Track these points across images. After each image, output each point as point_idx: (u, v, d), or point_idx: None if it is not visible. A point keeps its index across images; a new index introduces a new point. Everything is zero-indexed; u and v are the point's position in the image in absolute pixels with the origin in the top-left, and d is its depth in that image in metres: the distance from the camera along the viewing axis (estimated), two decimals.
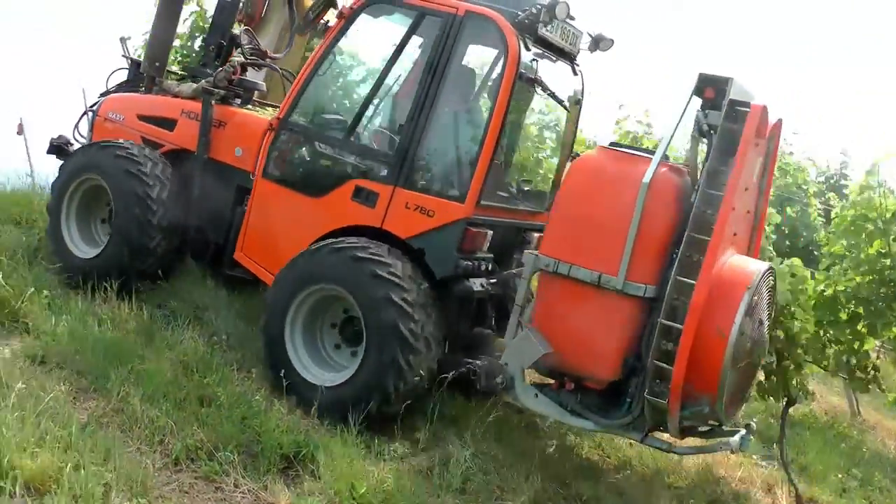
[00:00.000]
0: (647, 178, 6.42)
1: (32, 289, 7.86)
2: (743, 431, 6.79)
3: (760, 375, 8.49)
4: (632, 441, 7.60)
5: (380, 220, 7.49)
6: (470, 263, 7.49)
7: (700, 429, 7.02)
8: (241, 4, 9.34)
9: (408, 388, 6.99)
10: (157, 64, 9.46)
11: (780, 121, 7.15)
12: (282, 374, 7.26)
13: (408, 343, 6.90)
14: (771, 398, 9.34)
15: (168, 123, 8.91)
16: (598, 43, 8.20)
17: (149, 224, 8.26)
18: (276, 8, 9.62)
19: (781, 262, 8.82)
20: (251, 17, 9.52)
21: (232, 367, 7.64)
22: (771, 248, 9.39)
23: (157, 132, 8.92)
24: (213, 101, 8.58)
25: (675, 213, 6.58)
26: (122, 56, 9.63)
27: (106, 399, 6.63)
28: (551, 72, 8.15)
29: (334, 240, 7.43)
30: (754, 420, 8.22)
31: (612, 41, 8.22)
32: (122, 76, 9.86)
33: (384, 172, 7.58)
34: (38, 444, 5.39)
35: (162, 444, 6.24)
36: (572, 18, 7.80)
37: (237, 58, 9.01)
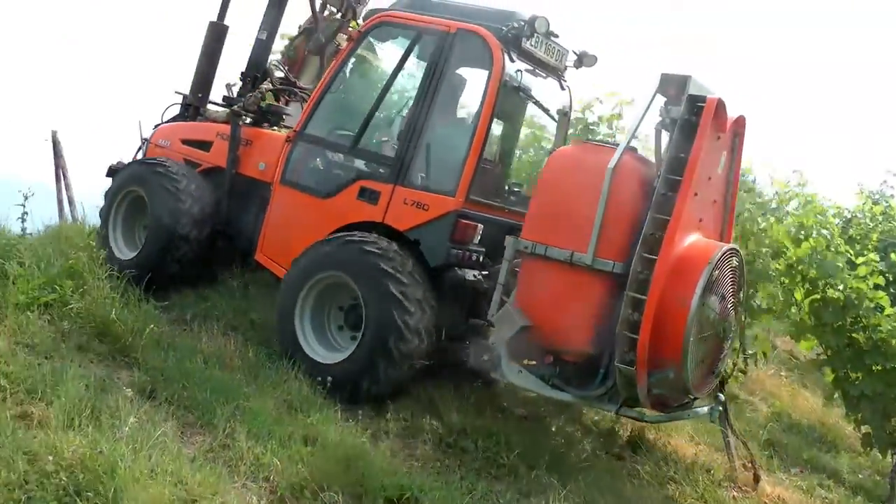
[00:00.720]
0: (611, 165, 7.16)
1: (142, 325, 8.04)
2: (713, 404, 7.73)
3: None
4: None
5: (381, 215, 8.26)
6: (461, 253, 8.10)
7: (674, 405, 7.59)
8: (283, 49, 10.37)
9: (396, 374, 7.75)
10: (199, 95, 10.44)
11: (742, 117, 7.72)
12: (289, 351, 8.15)
13: (401, 334, 7.59)
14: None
15: (205, 145, 9.81)
16: (582, 59, 9.02)
17: (177, 232, 9.04)
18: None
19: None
20: (293, 62, 10.46)
21: (335, 408, 7.60)
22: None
23: (196, 153, 9.82)
24: (240, 123, 9.49)
25: (639, 196, 7.24)
26: (176, 92, 10.56)
27: (212, 435, 6.70)
28: (541, 86, 9.11)
29: (346, 233, 8.17)
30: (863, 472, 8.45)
31: (596, 58, 8.98)
32: (175, 110, 10.77)
33: (385, 173, 8.40)
34: (150, 477, 5.48)
35: (267, 481, 6.26)
36: (556, 35, 8.71)
37: (266, 86, 9.93)
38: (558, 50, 8.88)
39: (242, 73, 10.30)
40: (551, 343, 7.49)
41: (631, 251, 7.11)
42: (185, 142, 10.03)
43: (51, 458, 5.41)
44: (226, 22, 10.42)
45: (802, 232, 9.69)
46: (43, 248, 8.95)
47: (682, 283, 6.95)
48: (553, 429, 8.60)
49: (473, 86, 8.79)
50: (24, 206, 9.09)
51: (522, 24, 8.21)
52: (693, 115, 7.14)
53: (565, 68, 9.16)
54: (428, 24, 8.47)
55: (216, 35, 10.40)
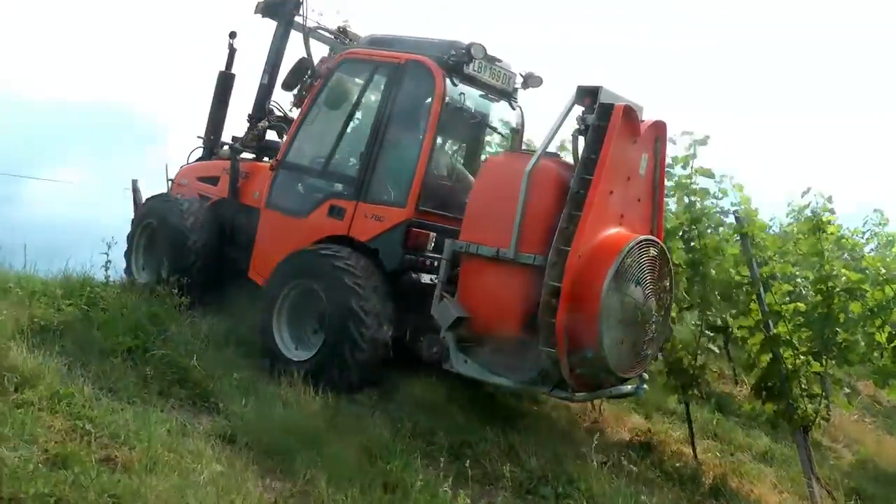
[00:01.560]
0: (527, 168, 7.88)
1: (222, 370, 8.15)
2: (639, 383, 8.38)
3: None
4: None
5: (346, 229, 9.13)
6: (415, 259, 8.91)
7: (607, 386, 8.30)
8: (295, 91, 10.95)
9: (362, 356, 8.41)
10: (212, 137, 11.72)
11: (661, 122, 8.46)
12: (268, 349, 8.90)
13: (359, 318, 8.34)
14: None
15: (214, 180, 10.98)
16: (527, 80, 9.93)
17: (185, 252, 10.15)
18: None
19: None
20: (301, 100, 10.84)
21: (416, 455, 7.51)
22: None
23: (207, 188, 10.99)
24: (239, 158, 10.65)
25: (555, 195, 7.90)
26: (197, 136, 11.86)
27: (292, 481, 6.65)
28: (492, 107, 10.23)
29: (311, 245, 9.13)
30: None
31: (541, 79, 9.85)
32: (199, 153, 11.98)
33: (349, 192, 9.28)
34: None
35: None
36: (499, 60, 9.59)
37: (263, 124, 11.11)
38: (504, 73, 9.74)
39: (249, 115, 11.35)
40: (487, 331, 8.12)
41: (550, 245, 7.73)
42: (199, 179, 11.26)
43: (135, 501, 5.43)
44: (233, 71, 11.64)
45: (883, 272, 9.39)
46: (126, 294, 9.07)
47: (595, 271, 7.59)
48: (633, 475, 8.39)
49: (423, 109, 9.40)
50: (107, 254, 9.26)
51: (462, 51, 9.00)
52: (603, 121, 7.83)
53: (514, 90, 10.05)
54: (383, 57, 9.48)
55: (224, 83, 11.63)
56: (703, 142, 9.62)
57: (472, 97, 9.66)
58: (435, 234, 8.88)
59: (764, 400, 9.35)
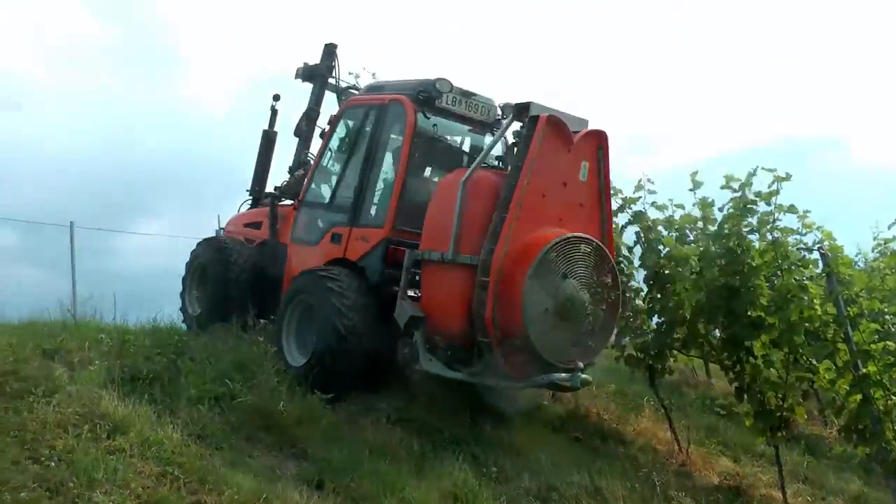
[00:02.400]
0: (462, 179, 8.74)
1: (308, 417, 8.25)
2: (576, 373, 8.39)
3: None
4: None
5: (343, 252, 10.04)
6: (395, 273, 9.41)
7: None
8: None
9: (342, 365, 9.04)
10: (257, 188, 12.81)
11: (601, 131, 9.14)
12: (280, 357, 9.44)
13: (341, 312, 9.10)
14: None
15: (258, 225, 12.07)
16: (505, 111, 10.23)
17: (228, 287, 11.25)
18: None
19: None
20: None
21: (502, 499, 7.48)
22: None
23: (252, 232, 12.13)
24: (277, 204, 11.71)
25: (488, 201, 8.70)
26: (246, 190, 12.99)
27: None
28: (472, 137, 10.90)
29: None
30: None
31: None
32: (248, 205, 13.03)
33: (346, 219, 10.20)
34: None
35: None
36: (474, 94, 10.33)
37: (300, 172, 12.06)
38: (483, 106, 10.45)
39: (289, 167, 12.52)
40: (440, 328, 8.87)
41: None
42: (245, 225, 12.50)
43: None
44: (275, 129, 12.73)
45: None
46: (213, 343, 9.21)
47: (519, 266, 8.27)
48: None
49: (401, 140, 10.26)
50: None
51: (430, 86, 9.84)
52: (531, 131, 8.66)
53: (497, 120, 10.58)
54: (373, 101, 10.53)
55: (267, 140, 12.71)
56: (787, 178, 9.45)
57: (452, 129, 10.59)
58: (410, 251, 9.46)
59: (855, 443, 9.13)
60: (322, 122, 12.24)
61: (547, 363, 8.38)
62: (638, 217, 10.90)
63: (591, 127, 9.13)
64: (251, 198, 12.83)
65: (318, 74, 12.33)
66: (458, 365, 8.85)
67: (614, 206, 10.49)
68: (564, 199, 8.88)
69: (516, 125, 9.12)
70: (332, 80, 12.38)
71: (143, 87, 57.53)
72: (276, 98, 12.48)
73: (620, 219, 11.10)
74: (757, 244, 9.94)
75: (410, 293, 9.29)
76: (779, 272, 9.64)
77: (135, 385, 8.14)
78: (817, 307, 9.28)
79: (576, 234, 8.63)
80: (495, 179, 8.97)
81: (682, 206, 10.87)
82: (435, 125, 10.15)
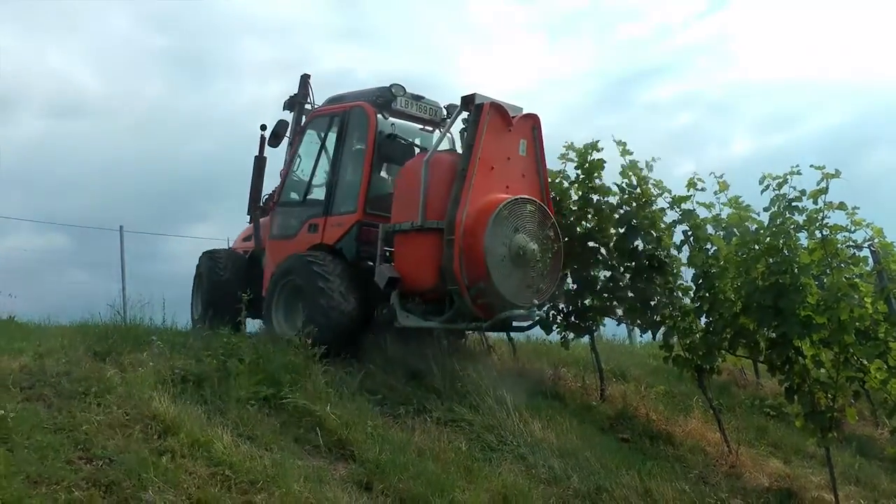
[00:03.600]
0: (425, 159, 10.41)
1: (356, 418, 8.26)
2: (532, 309, 10.31)
3: None
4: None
5: (320, 238, 11.45)
6: (368, 250, 10.87)
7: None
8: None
9: (330, 321, 10.25)
10: (252, 209, 13.56)
11: (535, 115, 10.88)
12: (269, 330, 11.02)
13: (324, 292, 10.40)
14: None
15: (249, 238, 13.57)
16: (450, 110, 11.95)
17: (217, 291, 12.40)
18: None
19: None
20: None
21: (551, 500, 7.47)
22: None
23: (248, 245, 13.55)
24: (258, 215, 13.14)
25: (448, 175, 10.28)
26: (247, 214, 13.84)
27: None
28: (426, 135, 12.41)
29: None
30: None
31: (458, 107, 11.25)
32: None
33: (321, 211, 11.63)
34: None
35: None
36: (422, 98, 11.94)
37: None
38: (430, 107, 12.06)
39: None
40: (414, 285, 10.30)
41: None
42: (243, 240, 14.07)
43: None
44: (265, 154, 13.53)
45: None
46: (262, 345, 9.26)
47: (479, 222, 9.87)
48: None
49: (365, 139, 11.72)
50: (243, 307, 9.49)
51: (386, 91, 11.59)
52: (476, 116, 10.32)
53: (443, 119, 12.18)
54: (335, 109, 12.11)
55: (258, 165, 13.53)
56: (836, 175, 9.32)
57: (407, 129, 12.03)
58: (383, 224, 10.91)
59: None
60: None
61: (507, 302, 10.04)
62: (687, 215, 10.83)
63: (525, 112, 10.84)
64: (250, 217, 13.81)
65: (297, 102, 13.55)
66: (432, 316, 10.38)
67: (663, 204, 11.31)
68: (509, 171, 10.57)
69: (465, 114, 10.65)
70: (308, 106, 13.53)
71: (194, 94, 58.25)
72: (263, 128, 13.34)
73: (668, 217, 11.09)
74: (805, 242, 9.83)
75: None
76: (828, 270, 9.52)
77: (185, 386, 8.20)
78: (868, 306, 9.16)
79: (522, 195, 10.31)
80: (452, 158, 10.67)
81: (735, 201, 10.82)
82: (392, 124, 11.77)
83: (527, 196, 10.36)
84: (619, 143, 11.31)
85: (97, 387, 7.67)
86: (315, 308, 10.40)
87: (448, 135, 11.99)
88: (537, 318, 10.52)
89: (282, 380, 8.49)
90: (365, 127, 11.50)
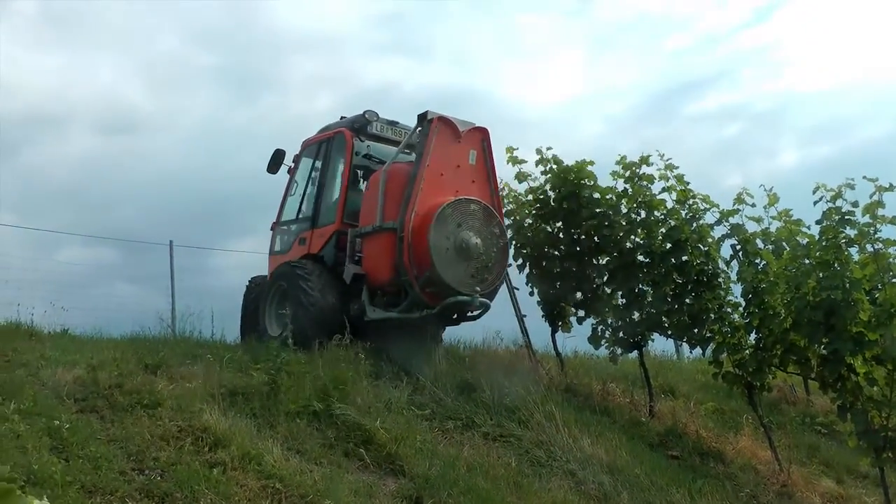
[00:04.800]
0: (384, 168, 11.66)
1: (405, 432, 8.24)
2: (475, 295, 10.95)
3: None
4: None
5: (308, 249, 12.52)
6: (343, 256, 12.00)
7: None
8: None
9: (310, 315, 11.24)
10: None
11: (484, 128, 11.92)
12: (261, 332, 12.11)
13: (305, 291, 11.46)
14: None
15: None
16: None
17: (249, 308, 13.25)
18: None
19: None
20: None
21: None
22: None
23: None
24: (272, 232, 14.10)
25: (402, 182, 11.38)
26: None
27: None
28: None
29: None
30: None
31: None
32: None
33: (308, 225, 12.83)
34: None
35: None
36: (397, 123, 13.00)
37: None
38: (404, 132, 12.77)
39: None
40: (376, 280, 11.48)
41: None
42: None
43: None
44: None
45: None
46: (311, 360, 9.31)
47: (425, 221, 10.92)
48: None
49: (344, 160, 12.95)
50: (287, 322, 9.56)
51: (361, 117, 12.77)
52: (426, 130, 11.50)
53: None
54: (322, 137, 13.35)
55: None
56: (890, 188, 9.19)
57: (382, 150, 12.83)
58: (352, 229, 12.13)
59: None
60: None
61: (452, 290, 10.96)
62: (736, 230, 10.73)
63: (475, 125, 11.87)
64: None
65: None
66: (391, 308, 11.41)
67: (711, 219, 11.25)
68: (459, 177, 11.60)
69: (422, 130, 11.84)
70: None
71: (241, 110, 58.85)
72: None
73: (716, 232, 10.99)
74: (856, 257, 9.69)
75: None
76: (880, 285, 9.38)
77: (234, 399, 8.29)
78: None
79: (466, 196, 11.31)
80: (407, 167, 11.70)
81: (785, 214, 10.70)
82: (368, 146, 12.89)
83: (471, 197, 11.39)
84: (666, 162, 11.31)
85: (149, 399, 7.77)
86: (298, 305, 11.44)
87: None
88: (479, 303, 11.14)
89: (330, 394, 8.51)
90: (344, 149, 12.81)
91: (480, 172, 11.81)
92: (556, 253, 12.68)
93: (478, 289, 11.03)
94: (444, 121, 11.55)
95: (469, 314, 11.68)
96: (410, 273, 11.00)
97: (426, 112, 11.63)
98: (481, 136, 11.89)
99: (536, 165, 12.90)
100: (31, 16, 54.90)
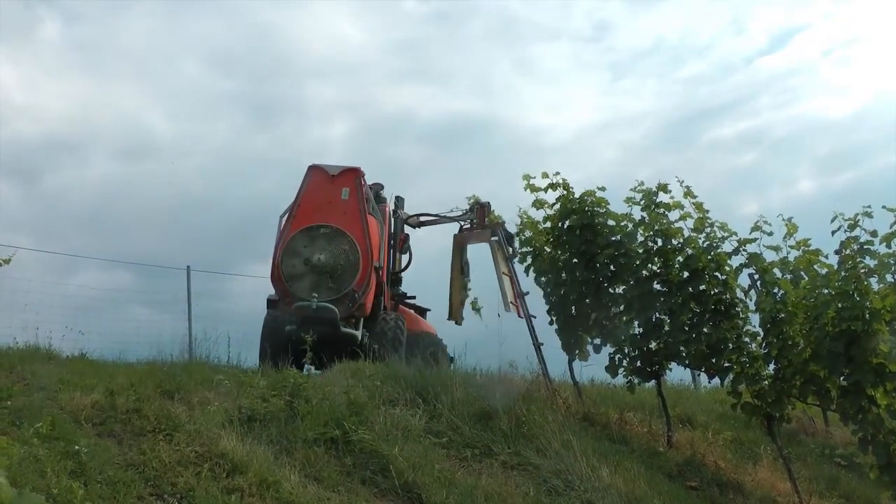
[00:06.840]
0: (280, 215, 13.59)
1: (422, 460, 8.23)
2: (313, 300, 12.53)
3: None
4: None
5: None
6: None
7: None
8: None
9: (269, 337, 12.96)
10: None
11: (357, 168, 13.80)
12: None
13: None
14: None
15: None
16: (400, 200, 15.70)
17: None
18: None
19: None
20: None
21: None
22: None
23: None
24: None
25: (282, 222, 13.45)
26: None
27: None
28: None
29: None
30: None
31: (403, 199, 15.77)
32: None
33: None
34: None
35: None
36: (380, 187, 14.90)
37: None
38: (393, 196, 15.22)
39: None
40: (282, 302, 13.12)
41: None
42: None
43: None
44: None
45: None
46: (328, 385, 9.28)
47: (283, 245, 12.87)
48: None
49: None
50: (307, 348, 9.53)
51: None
52: (306, 177, 13.59)
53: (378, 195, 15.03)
54: None
55: None
56: None
57: None
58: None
59: None
60: None
61: (297, 298, 12.62)
62: (754, 259, 10.68)
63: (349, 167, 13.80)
64: None
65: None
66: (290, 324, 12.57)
67: (729, 248, 10.96)
68: (331, 211, 13.36)
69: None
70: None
71: (260, 135, 59.22)
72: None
73: (734, 261, 10.93)
74: (876, 287, 9.64)
75: None
76: None
77: (252, 425, 8.25)
78: None
79: (316, 223, 13.07)
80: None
81: (803, 244, 10.65)
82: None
83: (322, 223, 13.15)
84: (685, 189, 11.23)
85: (166, 424, 7.76)
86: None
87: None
88: (316, 305, 12.51)
89: (348, 420, 8.47)
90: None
91: (352, 206, 13.60)
92: (573, 280, 12.34)
93: (315, 295, 12.63)
94: (316, 168, 13.74)
95: (348, 338, 12.79)
96: (277, 288, 13.15)
97: (312, 164, 13.76)
98: (355, 176, 13.83)
99: (546, 191, 12.61)
100: (55, 43, 55.54)
